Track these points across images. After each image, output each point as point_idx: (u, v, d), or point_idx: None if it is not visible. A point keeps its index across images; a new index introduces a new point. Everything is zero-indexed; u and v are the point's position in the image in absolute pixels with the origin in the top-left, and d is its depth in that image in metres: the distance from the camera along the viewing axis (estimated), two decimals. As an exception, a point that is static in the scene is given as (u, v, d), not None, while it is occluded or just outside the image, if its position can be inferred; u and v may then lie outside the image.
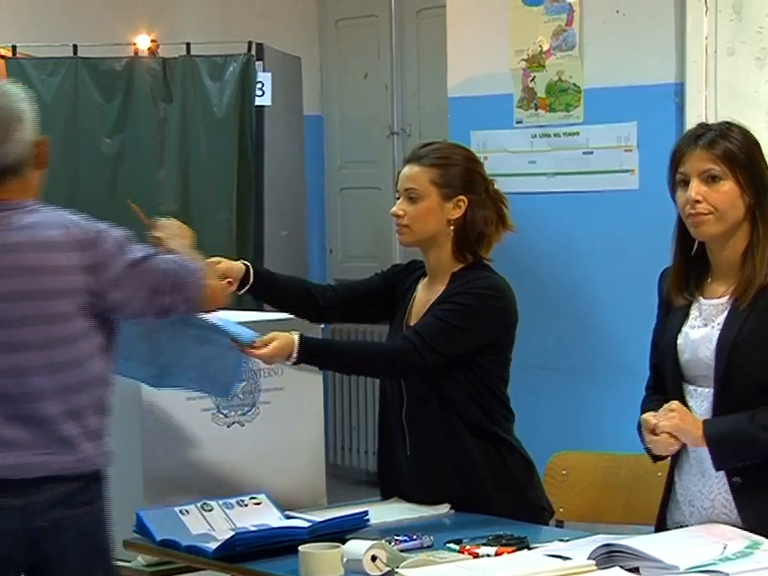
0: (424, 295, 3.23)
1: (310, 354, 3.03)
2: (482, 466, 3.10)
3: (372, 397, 6.81)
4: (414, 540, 2.79)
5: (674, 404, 2.66)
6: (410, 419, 3.16)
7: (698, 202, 2.66)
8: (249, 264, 3.25)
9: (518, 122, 5.21)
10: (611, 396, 4.86)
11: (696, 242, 2.76)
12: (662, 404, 2.71)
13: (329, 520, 2.89)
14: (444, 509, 3.11)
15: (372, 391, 6.81)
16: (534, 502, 3.16)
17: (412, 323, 3.20)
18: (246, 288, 3.23)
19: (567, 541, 2.76)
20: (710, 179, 2.67)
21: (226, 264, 3.21)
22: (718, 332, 2.70)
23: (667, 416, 2.63)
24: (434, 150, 3.17)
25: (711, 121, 4.86)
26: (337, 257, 7.21)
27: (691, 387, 2.74)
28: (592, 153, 5.04)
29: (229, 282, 3.15)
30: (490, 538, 2.75)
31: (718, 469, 2.64)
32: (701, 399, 2.72)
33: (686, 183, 2.69)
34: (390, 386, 3.24)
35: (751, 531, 2.61)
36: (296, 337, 3.03)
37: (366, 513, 2.95)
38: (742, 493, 2.66)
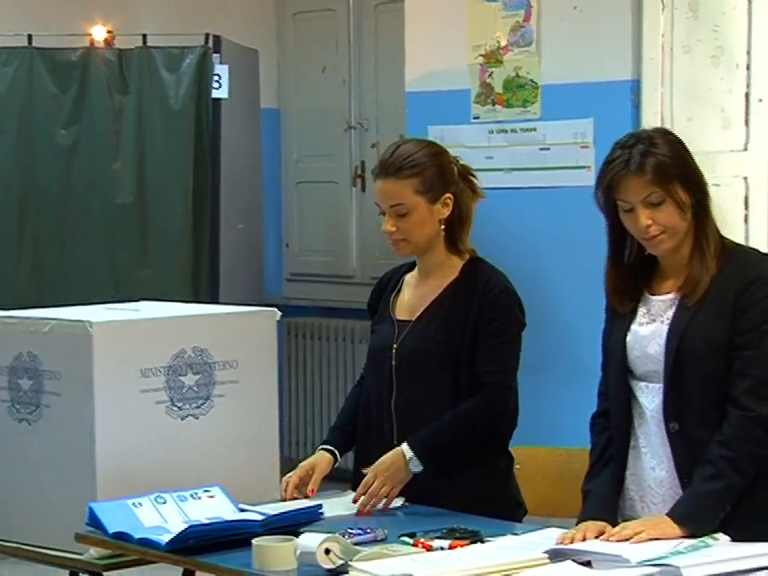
0: (417, 289, 3.21)
1: (427, 456, 3.04)
2: (470, 460, 3.10)
3: (327, 390, 6.81)
4: (368, 533, 2.79)
5: (631, 528, 2.60)
6: (400, 408, 3.13)
7: (648, 226, 2.69)
8: (332, 449, 3.24)
9: (475, 118, 5.22)
10: (566, 391, 4.88)
11: (630, 247, 2.77)
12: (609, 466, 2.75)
13: (282, 513, 2.89)
14: (398, 502, 3.10)
15: (327, 385, 6.81)
16: (512, 498, 3.16)
17: (402, 317, 3.18)
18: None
19: (520, 534, 2.77)
20: (652, 204, 2.69)
21: (310, 466, 3.21)
22: (668, 326, 2.72)
23: (637, 538, 2.56)
24: (405, 158, 3.13)
25: (667, 118, 4.94)
26: (293, 250, 7.20)
27: (642, 384, 2.76)
28: (549, 149, 5.05)
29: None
30: (444, 531, 2.76)
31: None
32: (652, 395, 2.74)
33: (629, 209, 2.71)
34: (376, 375, 3.19)
35: None
36: (403, 449, 3.03)
37: (319, 506, 2.96)
38: None
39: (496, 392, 3.11)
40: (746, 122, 4.84)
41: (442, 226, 3.17)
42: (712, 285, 2.69)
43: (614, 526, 2.66)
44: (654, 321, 2.75)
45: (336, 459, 3.24)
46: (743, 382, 2.64)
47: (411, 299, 3.23)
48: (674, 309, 2.73)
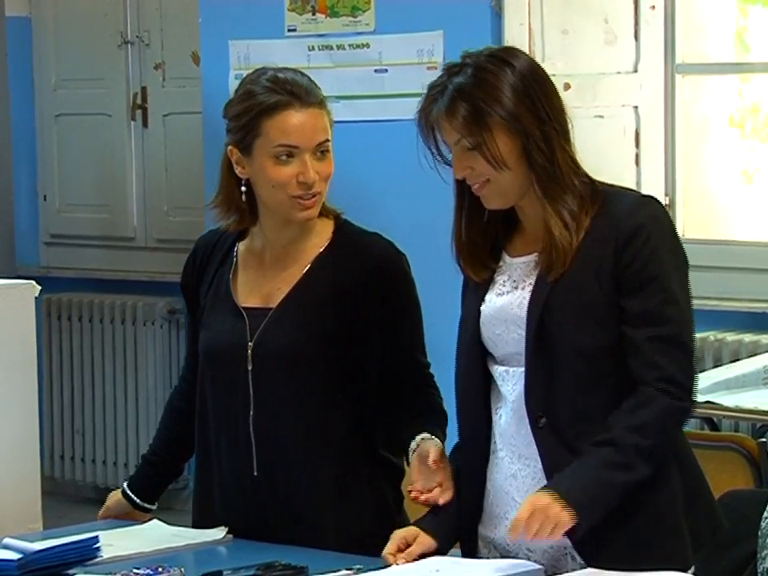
0: (269, 265, 3.12)
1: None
2: (356, 489, 3.08)
3: (102, 389, 6.75)
4: (160, 573, 2.81)
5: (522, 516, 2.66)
6: (262, 430, 3.07)
7: (468, 173, 2.75)
8: (131, 496, 3.26)
9: (290, 30, 5.23)
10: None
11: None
12: None
13: (46, 549, 2.88)
14: (219, 533, 3.10)
15: (102, 381, 6.75)
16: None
17: (250, 303, 3.10)
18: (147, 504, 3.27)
19: (358, 571, 2.81)
20: (468, 149, 2.74)
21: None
22: (530, 294, 2.76)
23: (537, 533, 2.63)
24: (315, 84, 3.14)
25: (536, 30, 5.01)
26: (53, 204, 7.11)
27: (502, 369, 2.80)
28: (386, 70, 5.09)
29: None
30: (260, 567, 2.80)
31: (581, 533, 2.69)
32: (513, 381, 2.78)
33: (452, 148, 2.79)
34: (220, 384, 3.12)
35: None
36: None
37: (95, 539, 2.95)
38: None
39: (433, 383, 3.13)
40: (636, 36, 4.95)
41: None
42: (583, 240, 2.74)
43: (443, 543, 2.81)
44: (516, 288, 2.79)
45: (137, 509, 3.25)
46: (654, 368, 2.69)
47: (263, 279, 3.13)
48: (536, 273, 2.76)
